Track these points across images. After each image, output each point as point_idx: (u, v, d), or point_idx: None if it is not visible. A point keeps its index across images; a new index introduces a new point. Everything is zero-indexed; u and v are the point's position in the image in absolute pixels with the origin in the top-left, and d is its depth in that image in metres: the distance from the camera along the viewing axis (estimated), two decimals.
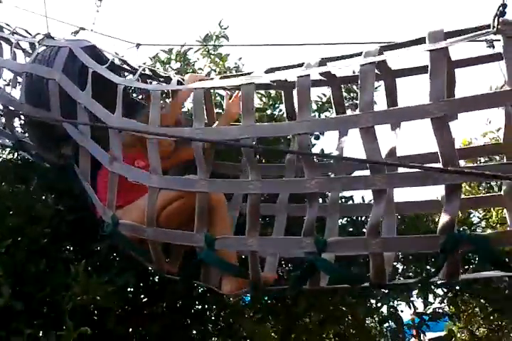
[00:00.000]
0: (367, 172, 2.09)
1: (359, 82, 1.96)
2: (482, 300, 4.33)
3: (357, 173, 2.68)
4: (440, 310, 4.15)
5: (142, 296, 4.23)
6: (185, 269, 2.65)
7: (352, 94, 3.68)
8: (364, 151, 1.96)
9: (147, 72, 3.34)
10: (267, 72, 2.47)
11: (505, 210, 2.22)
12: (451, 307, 4.51)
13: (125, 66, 3.36)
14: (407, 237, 1.99)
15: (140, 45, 3.34)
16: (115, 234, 2.61)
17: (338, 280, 2.21)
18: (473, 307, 4.86)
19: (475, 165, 3.23)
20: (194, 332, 4.52)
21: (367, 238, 1.95)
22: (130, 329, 3.80)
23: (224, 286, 2.51)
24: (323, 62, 2.30)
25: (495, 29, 1.76)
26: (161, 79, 3.27)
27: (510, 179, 1.56)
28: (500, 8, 1.75)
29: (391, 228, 2.25)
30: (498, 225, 4.03)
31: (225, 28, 4.44)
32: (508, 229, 1.86)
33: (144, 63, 3.47)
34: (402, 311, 3.97)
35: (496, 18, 1.75)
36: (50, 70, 2.87)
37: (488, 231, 4.30)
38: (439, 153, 1.83)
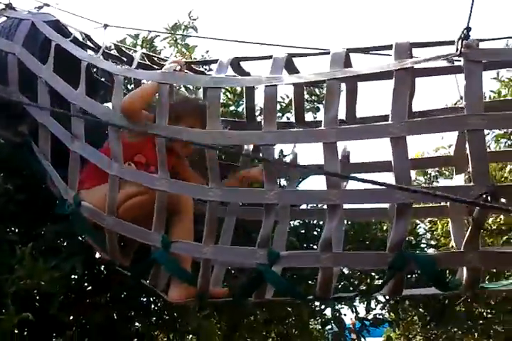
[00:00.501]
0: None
1: (325, 95, 1.98)
2: (421, 310, 4.46)
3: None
4: (381, 316, 4.25)
5: (87, 284, 4.16)
6: (136, 266, 2.59)
7: (313, 97, 3.70)
8: (324, 164, 1.97)
9: (114, 52, 3.21)
10: (232, 61, 2.44)
11: (450, 224, 2.30)
12: (391, 314, 4.64)
13: (89, 43, 3.23)
14: (358, 253, 2.04)
15: (107, 26, 3.19)
16: (76, 215, 2.55)
17: (283, 293, 2.19)
18: (412, 315, 4.99)
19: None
20: (138, 324, 4.49)
21: (319, 252, 1.96)
22: (72, 317, 3.72)
23: (170, 292, 2.46)
24: (289, 58, 2.31)
25: (458, 52, 1.80)
26: (125, 60, 3.15)
27: (463, 201, 1.58)
28: (465, 31, 1.79)
29: (339, 241, 2.26)
30: (442, 238, 4.14)
31: (195, 19, 4.38)
32: (452, 243, 1.89)
33: (110, 46, 3.35)
34: (345, 315, 4.04)
35: (460, 41, 1.79)
36: (9, 43, 2.77)
37: (432, 242, 4.50)
38: (393, 171, 1.85)
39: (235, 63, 2.51)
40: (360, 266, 2.13)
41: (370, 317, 4.17)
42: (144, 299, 4.75)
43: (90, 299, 3.96)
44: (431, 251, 4.70)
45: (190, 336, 4.79)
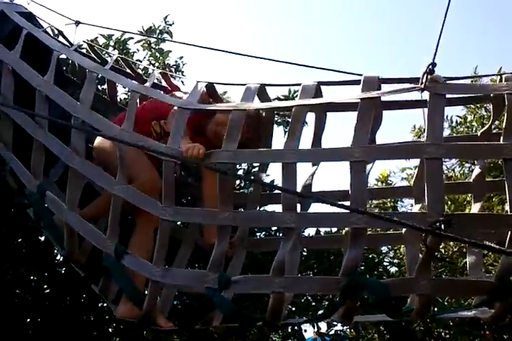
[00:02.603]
0: None
1: (290, 121, 1.99)
2: (382, 328, 4.47)
3: None
4: (342, 333, 4.24)
5: (45, 287, 4.08)
6: (89, 268, 2.50)
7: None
8: (282, 185, 1.95)
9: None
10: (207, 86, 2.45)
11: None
12: (352, 331, 4.63)
13: (61, 39, 3.16)
14: (310, 278, 2.02)
15: (80, 23, 3.12)
16: (37, 204, 2.48)
17: (231, 319, 2.11)
18: (372, 333, 5.00)
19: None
20: (95, 330, 4.41)
21: (270, 276, 1.93)
22: (29, 320, 3.64)
23: (119, 307, 2.35)
24: (262, 88, 2.33)
25: (423, 85, 1.83)
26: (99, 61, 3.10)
27: (416, 228, 1.58)
28: (430, 66, 1.82)
29: (293, 266, 2.19)
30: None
31: (170, 24, 4.35)
32: (407, 275, 1.89)
33: (81, 45, 3.28)
34: (305, 330, 4.01)
35: (425, 76, 1.82)
36: None
37: (396, 260, 4.54)
38: (350, 195, 1.85)
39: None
40: (313, 291, 2.11)
41: (331, 333, 4.16)
42: (105, 304, 4.71)
43: (49, 302, 3.89)
44: (394, 269, 4.75)
45: None
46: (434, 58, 1.82)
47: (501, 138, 1.86)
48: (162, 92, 2.72)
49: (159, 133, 2.55)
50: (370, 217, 1.81)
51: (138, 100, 2.50)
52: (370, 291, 1.82)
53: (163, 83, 3.04)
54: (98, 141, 2.61)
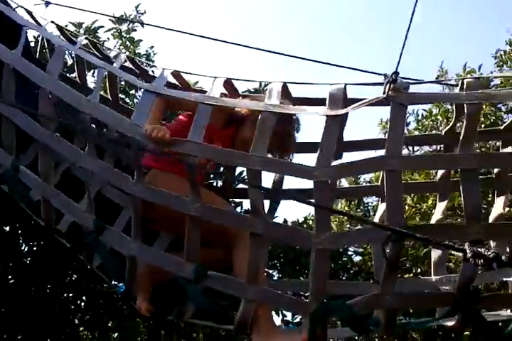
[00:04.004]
0: None
1: (258, 126, 1.94)
2: None
3: None
4: None
5: (10, 277, 4.04)
6: (72, 239, 2.46)
7: None
8: (248, 192, 1.94)
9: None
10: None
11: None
12: None
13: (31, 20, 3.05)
14: (283, 296, 1.94)
15: (50, 4, 3.01)
16: (12, 180, 2.43)
17: (203, 314, 2.14)
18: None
19: None
20: (60, 321, 4.40)
21: (246, 283, 1.91)
22: None
23: None
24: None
25: (385, 95, 1.80)
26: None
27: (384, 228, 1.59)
28: (393, 75, 1.78)
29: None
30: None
31: (142, 13, 4.28)
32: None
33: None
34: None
35: (388, 85, 1.79)
36: None
37: (360, 250, 4.64)
38: (315, 216, 1.84)
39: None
40: (283, 307, 2.10)
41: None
42: (70, 294, 4.69)
43: (14, 292, 3.86)
44: (358, 258, 4.86)
45: (116, 334, 4.76)
46: (397, 67, 1.79)
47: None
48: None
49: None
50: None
51: None
52: (337, 314, 1.83)
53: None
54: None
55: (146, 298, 2.25)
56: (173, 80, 2.58)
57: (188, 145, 1.97)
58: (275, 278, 5.42)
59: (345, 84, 2.06)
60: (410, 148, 4.83)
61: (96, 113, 2.21)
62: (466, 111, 1.80)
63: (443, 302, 1.90)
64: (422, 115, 5.17)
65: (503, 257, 1.36)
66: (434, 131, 4.91)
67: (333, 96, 1.94)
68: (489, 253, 1.35)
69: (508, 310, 2.10)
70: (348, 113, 2.01)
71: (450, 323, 1.93)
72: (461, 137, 1.79)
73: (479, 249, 1.36)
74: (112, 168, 2.20)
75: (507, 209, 4.75)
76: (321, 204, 1.78)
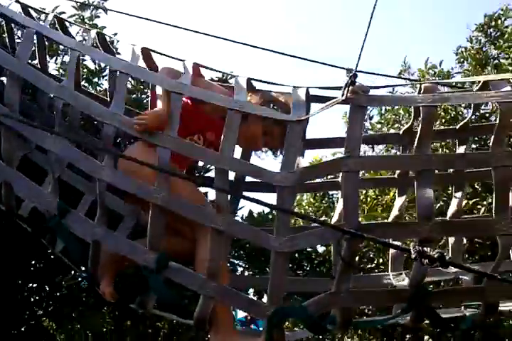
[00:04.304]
0: None
1: (225, 124, 1.94)
2: None
3: None
4: None
5: None
6: (35, 225, 2.41)
7: None
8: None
9: None
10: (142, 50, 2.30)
11: None
12: None
13: None
14: (242, 296, 1.95)
15: None
16: None
17: (166, 305, 2.13)
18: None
19: None
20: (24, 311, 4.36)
21: (205, 279, 1.90)
22: None
23: None
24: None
25: (344, 97, 1.81)
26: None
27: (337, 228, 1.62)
28: (352, 77, 1.80)
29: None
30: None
31: (106, 0, 4.19)
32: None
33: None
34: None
35: (347, 87, 1.81)
36: None
37: None
38: (276, 221, 1.85)
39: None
40: (240, 307, 2.08)
41: None
42: (32, 285, 4.63)
43: None
44: (322, 249, 4.93)
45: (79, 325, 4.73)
46: (356, 69, 1.81)
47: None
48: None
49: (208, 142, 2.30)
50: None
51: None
52: (294, 316, 1.87)
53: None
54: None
55: (109, 283, 2.23)
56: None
57: (161, 138, 1.98)
58: (241, 269, 5.50)
59: (307, 88, 2.08)
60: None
61: (71, 100, 2.18)
62: (421, 113, 1.83)
63: (398, 300, 1.94)
64: (385, 109, 5.28)
65: (447, 257, 1.41)
66: (396, 125, 5.05)
67: (297, 102, 1.96)
68: (434, 252, 1.39)
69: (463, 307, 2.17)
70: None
71: (404, 319, 1.98)
72: (416, 138, 1.82)
73: (425, 249, 1.39)
74: (80, 152, 2.17)
75: (465, 201, 4.94)
76: (282, 208, 1.80)
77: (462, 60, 5.33)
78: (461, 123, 2.41)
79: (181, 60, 2.22)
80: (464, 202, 5.08)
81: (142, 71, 2.21)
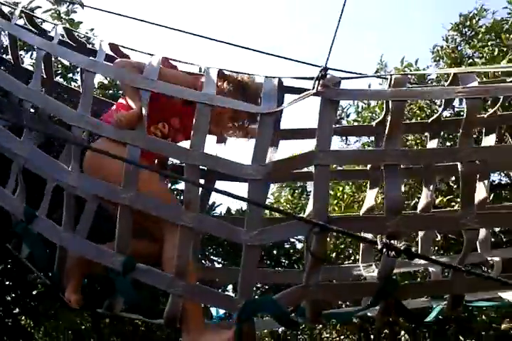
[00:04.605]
0: None
1: (195, 116, 1.92)
2: None
3: None
4: None
5: None
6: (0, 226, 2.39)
7: None
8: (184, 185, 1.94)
9: None
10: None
11: None
12: None
13: None
14: (211, 291, 1.93)
15: None
16: None
17: (132, 307, 2.07)
18: None
19: None
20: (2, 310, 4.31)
21: (173, 277, 1.88)
22: None
23: None
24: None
25: (315, 90, 1.82)
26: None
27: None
28: (322, 71, 1.81)
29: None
30: None
31: None
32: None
33: None
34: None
35: (317, 81, 1.81)
36: None
37: None
38: (246, 216, 1.85)
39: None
40: (212, 304, 2.08)
41: None
42: (8, 283, 4.58)
43: None
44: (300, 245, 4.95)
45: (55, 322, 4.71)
46: (326, 63, 1.82)
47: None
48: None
49: (166, 134, 2.25)
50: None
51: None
52: (265, 310, 1.86)
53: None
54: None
55: (75, 290, 2.18)
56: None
57: (130, 136, 1.96)
58: (220, 265, 5.50)
59: (280, 78, 2.09)
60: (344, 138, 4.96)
61: (40, 104, 2.16)
62: (390, 108, 1.85)
63: (367, 292, 1.96)
64: (362, 107, 5.33)
65: (413, 249, 1.44)
66: (372, 123, 5.09)
67: (268, 92, 1.96)
68: (400, 245, 1.42)
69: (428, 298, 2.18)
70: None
71: (373, 312, 1.99)
72: (386, 133, 1.83)
73: (391, 241, 1.42)
74: (47, 156, 2.14)
75: (440, 198, 5.00)
76: (253, 200, 1.80)
77: (438, 58, 5.41)
78: (433, 117, 2.43)
79: (150, 55, 2.20)
80: (439, 199, 5.21)
81: (106, 68, 2.18)
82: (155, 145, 2.01)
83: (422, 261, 2.25)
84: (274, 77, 2.07)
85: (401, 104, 1.86)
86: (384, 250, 1.41)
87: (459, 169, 1.80)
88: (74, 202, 2.08)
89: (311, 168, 1.89)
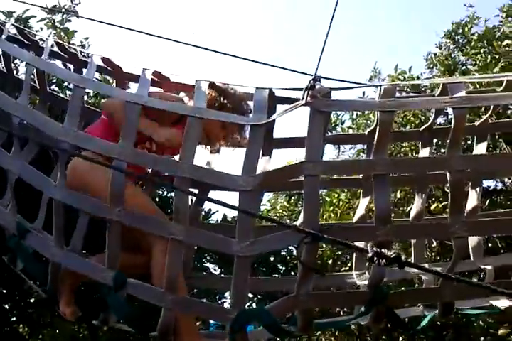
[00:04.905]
0: None
1: (186, 129, 1.92)
2: None
3: None
4: None
5: None
6: None
7: None
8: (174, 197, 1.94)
9: None
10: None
11: None
12: None
13: None
14: (202, 303, 1.98)
15: None
16: None
17: (125, 321, 2.08)
18: None
19: None
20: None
21: (164, 291, 1.88)
22: None
23: None
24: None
25: (304, 101, 1.82)
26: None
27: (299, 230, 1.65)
28: (312, 81, 1.82)
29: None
30: None
31: (77, 4, 4.20)
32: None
33: None
34: None
35: (307, 91, 1.82)
36: None
37: None
38: (237, 223, 1.86)
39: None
40: (204, 316, 2.08)
41: None
42: (4, 291, 4.58)
43: None
44: None
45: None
46: (316, 72, 1.83)
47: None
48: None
49: (153, 151, 2.27)
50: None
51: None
52: (257, 320, 1.86)
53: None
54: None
55: (68, 303, 2.18)
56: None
57: (117, 150, 1.94)
58: (217, 272, 5.50)
59: (271, 89, 2.11)
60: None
61: (25, 116, 2.16)
62: (378, 119, 1.86)
63: (358, 301, 1.97)
64: (357, 114, 5.36)
65: (403, 257, 1.44)
66: (367, 130, 5.13)
67: (258, 103, 1.97)
68: (390, 253, 1.42)
69: (421, 307, 2.20)
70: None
71: (365, 320, 2.00)
72: (374, 143, 1.84)
73: (382, 250, 1.42)
74: (34, 170, 2.13)
75: (435, 205, 5.02)
76: (246, 210, 1.79)
77: (432, 65, 5.45)
78: (426, 125, 2.45)
79: (144, 69, 2.22)
80: (434, 205, 5.23)
81: (96, 84, 2.21)
82: (143, 159, 2.00)
83: (414, 269, 2.26)
84: (264, 88, 2.08)
85: (389, 115, 1.86)
86: (375, 258, 1.42)
87: (448, 178, 1.81)
88: (62, 216, 2.06)
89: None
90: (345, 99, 1.93)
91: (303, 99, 1.85)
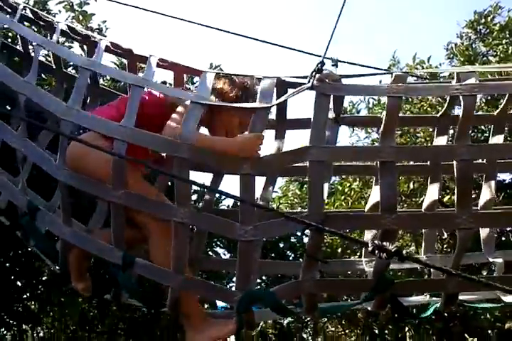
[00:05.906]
0: None
1: (185, 113, 1.91)
2: None
3: None
4: None
5: None
6: (11, 216, 2.37)
7: None
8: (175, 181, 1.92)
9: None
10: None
11: None
12: None
13: None
14: (209, 284, 1.98)
15: None
16: None
17: (134, 298, 2.11)
18: None
19: None
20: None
21: (172, 272, 1.90)
22: None
23: None
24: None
25: (310, 84, 1.80)
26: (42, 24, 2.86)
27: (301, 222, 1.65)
28: (319, 65, 1.80)
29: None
30: None
31: None
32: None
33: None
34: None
35: (313, 75, 1.80)
36: None
37: None
38: (239, 210, 1.84)
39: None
40: (210, 297, 2.10)
41: None
42: (17, 269, 4.67)
43: None
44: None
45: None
46: (323, 56, 1.81)
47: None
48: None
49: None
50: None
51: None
52: (262, 303, 1.88)
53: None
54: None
55: (82, 278, 2.22)
56: None
57: (118, 130, 1.93)
58: (227, 256, 5.54)
59: (278, 77, 2.06)
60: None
61: (31, 94, 2.16)
62: (386, 105, 1.83)
63: (361, 289, 1.97)
64: (373, 103, 5.30)
65: (404, 251, 1.42)
66: None
67: (264, 92, 1.93)
68: (391, 247, 1.40)
69: (428, 296, 2.19)
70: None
71: (369, 305, 2.00)
72: (381, 129, 1.80)
73: (383, 243, 1.39)
74: (38, 149, 2.15)
75: (448, 196, 4.96)
76: (244, 198, 1.79)
77: (452, 55, 5.35)
78: (442, 111, 2.39)
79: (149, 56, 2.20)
80: (447, 197, 5.16)
81: (102, 66, 2.18)
82: (141, 138, 1.95)
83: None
84: (272, 77, 2.04)
85: (396, 100, 1.82)
86: (376, 252, 1.41)
87: (455, 168, 1.78)
88: (67, 198, 2.08)
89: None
90: (351, 83, 1.90)
91: (309, 82, 1.82)
